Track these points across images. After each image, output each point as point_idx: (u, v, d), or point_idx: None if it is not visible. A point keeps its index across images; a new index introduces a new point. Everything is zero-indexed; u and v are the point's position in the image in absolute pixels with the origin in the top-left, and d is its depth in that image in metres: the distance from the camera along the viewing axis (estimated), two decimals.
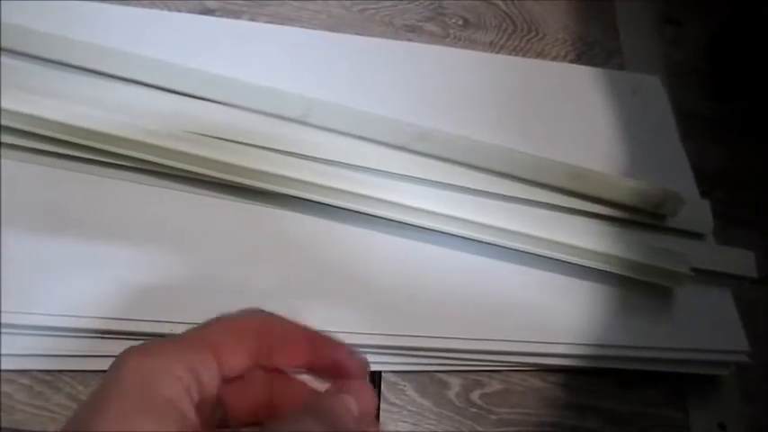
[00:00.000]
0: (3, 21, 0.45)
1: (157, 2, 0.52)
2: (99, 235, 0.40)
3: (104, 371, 0.35)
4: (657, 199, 0.43)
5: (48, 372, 0.36)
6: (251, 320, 0.26)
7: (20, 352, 0.36)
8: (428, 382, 0.40)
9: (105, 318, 0.37)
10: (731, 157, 0.54)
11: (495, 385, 0.41)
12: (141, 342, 0.23)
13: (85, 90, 0.43)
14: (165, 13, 0.51)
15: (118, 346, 0.36)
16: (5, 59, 0.44)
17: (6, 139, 0.41)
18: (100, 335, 0.37)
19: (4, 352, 0.36)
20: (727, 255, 0.45)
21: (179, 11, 0.52)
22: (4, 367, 0.36)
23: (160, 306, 0.38)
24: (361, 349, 0.39)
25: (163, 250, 0.40)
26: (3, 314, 0.36)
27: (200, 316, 0.37)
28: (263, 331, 0.26)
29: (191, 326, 0.37)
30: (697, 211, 0.46)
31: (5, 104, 0.40)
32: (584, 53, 0.57)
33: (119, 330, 0.37)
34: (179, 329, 0.36)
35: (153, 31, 0.49)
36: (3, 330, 0.36)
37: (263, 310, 0.27)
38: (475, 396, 0.40)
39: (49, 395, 0.36)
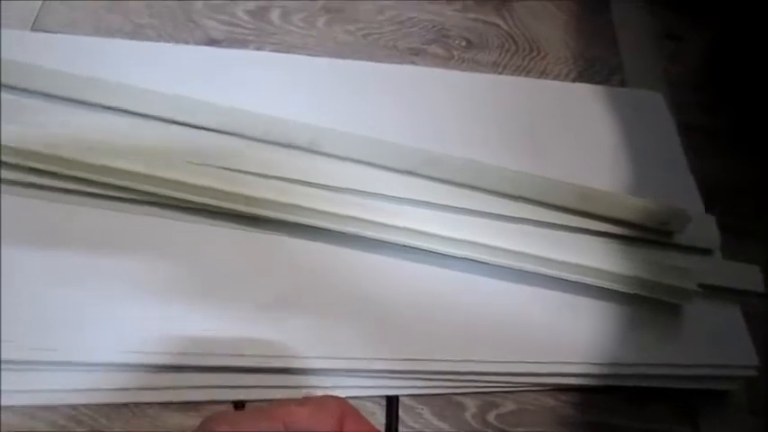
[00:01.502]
0: (3, 57, 0.46)
1: (163, 34, 0.53)
2: (115, 269, 0.41)
3: (124, 404, 0.37)
4: (664, 216, 0.44)
5: (71, 406, 0.37)
6: (334, 404, 0.27)
7: (42, 387, 0.37)
8: (445, 404, 0.41)
9: (125, 351, 0.38)
10: (732, 169, 0.54)
11: (509, 405, 0.41)
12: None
13: (92, 124, 0.44)
14: (172, 45, 0.52)
15: (138, 380, 0.37)
16: (6, 95, 0.45)
17: (8, 175, 0.42)
18: (120, 368, 0.38)
19: (27, 388, 0.37)
20: (733, 270, 0.45)
21: (186, 42, 0.53)
22: (27, 403, 0.37)
23: (178, 338, 0.38)
24: (378, 375, 0.40)
25: (176, 281, 0.41)
26: (28, 351, 0.37)
27: (218, 347, 0.38)
28: (340, 420, 0.27)
29: (208, 356, 0.38)
30: (704, 227, 0.46)
31: (6, 141, 0.41)
32: (586, 70, 0.58)
33: (139, 363, 0.38)
34: (195, 361, 0.38)
35: (161, 64, 0.50)
36: (27, 367, 0.37)
37: (342, 398, 0.27)
38: (491, 417, 0.41)
39: (72, 428, 0.36)
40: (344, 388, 0.40)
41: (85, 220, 0.42)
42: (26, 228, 0.41)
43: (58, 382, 0.37)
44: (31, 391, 0.37)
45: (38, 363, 0.37)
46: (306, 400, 0.27)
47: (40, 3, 0.53)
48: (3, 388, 0.36)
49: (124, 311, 0.39)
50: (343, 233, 0.42)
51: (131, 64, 0.49)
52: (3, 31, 0.49)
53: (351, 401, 0.38)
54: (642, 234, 0.45)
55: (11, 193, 0.42)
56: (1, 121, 0.42)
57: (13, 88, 0.45)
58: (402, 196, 0.44)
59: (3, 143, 0.40)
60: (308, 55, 0.54)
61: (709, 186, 0.51)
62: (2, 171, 0.42)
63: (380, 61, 0.55)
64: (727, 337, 0.43)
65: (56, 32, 0.51)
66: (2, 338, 0.37)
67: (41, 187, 0.42)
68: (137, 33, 0.53)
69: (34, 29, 0.51)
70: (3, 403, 0.36)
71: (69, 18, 0.52)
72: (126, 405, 0.37)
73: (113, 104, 0.45)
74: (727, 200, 0.51)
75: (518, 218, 0.45)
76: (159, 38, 0.53)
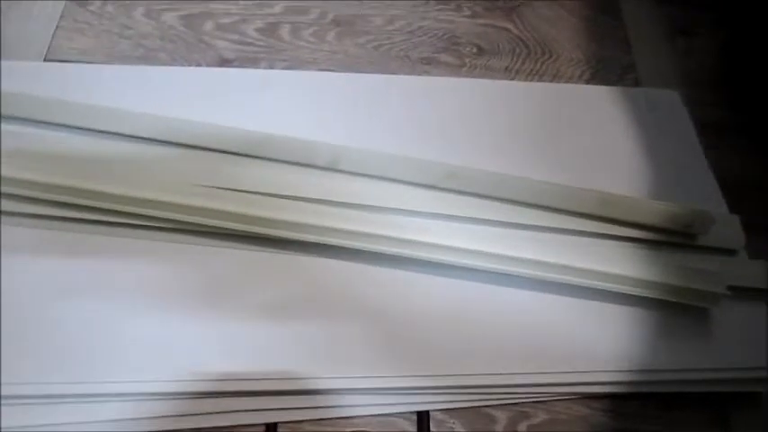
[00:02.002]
0: (14, 90, 0.47)
1: (176, 57, 0.53)
2: (128, 290, 0.41)
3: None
4: (687, 219, 0.44)
5: None
6: None
7: (75, 420, 0.37)
8: (475, 417, 0.41)
9: (151, 381, 0.38)
10: (746, 165, 0.54)
11: (541, 415, 0.41)
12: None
13: (101, 152, 0.45)
14: (184, 68, 0.53)
15: (169, 407, 0.38)
16: (13, 127, 0.46)
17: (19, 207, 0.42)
18: (151, 397, 0.38)
19: (59, 421, 0.37)
20: (759, 269, 0.45)
21: (198, 64, 0.53)
22: None
23: (203, 360, 0.39)
24: (408, 391, 0.40)
25: (199, 307, 0.41)
26: (56, 385, 0.37)
27: (247, 371, 0.38)
28: None
29: (239, 381, 0.38)
30: (727, 227, 0.46)
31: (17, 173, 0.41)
32: (599, 71, 0.58)
33: (166, 392, 0.38)
34: (227, 387, 0.38)
35: (173, 88, 0.50)
36: (57, 400, 0.37)
37: None
38: (522, 428, 0.41)
39: None
40: (376, 405, 0.40)
41: (95, 245, 0.43)
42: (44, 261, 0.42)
43: (86, 415, 0.37)
44: (60, 423, 0.37)
45: (64, 396, 0.37)
46: None
47: (53, 31, 0.53)
48: (31, 423, 0.37)
49: (145, 335, 0.39)
50: (367, 251, 0.42)
51: (144, 89, 0.50)
52: (17, 63, 0.50)
53: (382, 419, 0.39)
54: (666, 238, 0.45)
55: (19, 224, 0.43)
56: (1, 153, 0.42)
57: (22, 120, 0.46)
58: (425, 210, 0.44)
59: (14, 176, 0.41)
60: (319, 70, 0.54)
61: (727, 183, 0.50)
62: (10, 203, 0.42)
63: (393, 72, 0.55)
64: (757, 338, 0.43)
65: (69, 61, 0.51)
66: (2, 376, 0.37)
67: (52, 218, 0.43)
68: (149, 58, 0.53)
69: (47, 59, 0.51)
70: None
71: (82, 46, 0.53)
72: None
73: (129, 132, 0.46)
74: (747, 197, 0.50)
75: (541, 227, 0.45)
76: (172, 61, 0.53)
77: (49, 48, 0.52)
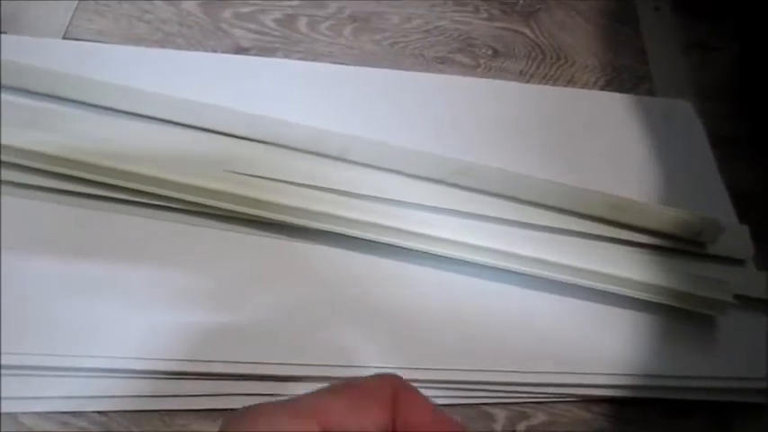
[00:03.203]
0: (35, 64, 0.46)
1: (192, 42, 0.54)
2: (136, 275, 0.41)
3: (155, 411, 0.37)
4: (696, 227, 0.43)
5: (101, 413, 0.37)
6: (380, 387, 0.23)
7: (74, 394, 0.37)
8: (473, 414, 0.40)
9: (153, 359, 0.38)
10: (761, 177, 0.54)
11: (540, 417, 0.41)
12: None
13: (121, 132, 0.45)
14: (200, 53, 0.53)
15: (168, 387, 0.37)
16: (40, 103, 0.46)
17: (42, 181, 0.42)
18: (152, 375, 0.38)
19: (57, 394, 0.37)
20: (766, 280, 0.45)
21: (214, 51, 0.53)
22: (58, 409, 0.37)
23: (206, 345, 0.38)
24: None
25: (203, 289, 0.41)
26: (57, 357, 0.37)
27: (249, 356, 0.38)
28: (393, 402, 0.23)
29: (238, 364, 0.38)
30: (736, 237, 0.46)
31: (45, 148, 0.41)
32: (614, 79, 0.58)
33: (169, 371, 0.38)
34: (225, 369, 0.38)
35: (189, 72, 0.50)
36: (56, 373, 0.37)
37: (396, 376, 0.24)
38: (521, 428, 0.40)
39: None
40: None
41: (105, 227, 0.42)
42: (51, 235, 0.42)
43: (89, 389, 0.37)
44: (61, 397, 0.37)
45: (70, 369, 0.37)
46: (346, 387, 0.23)
47: (72, 12, 0.53)
48: (31, 394, 0.37)
49: (148, 318, 0.39)
50: (373, 242, 0.42)
51: (160, 72, 0.50)
52: (33, 39, 0.50)
53: None
54: (674, 244, 0.44)
55: (41, 198, 0.43)
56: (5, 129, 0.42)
57: (46, 96, 0.46)
58: (432, 205, 0.44)
59: (42, 150, 0.41)
60: (334, 63, 0.54)
61: (738, 195, 0.50)
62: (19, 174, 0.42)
63: (407, 70, 0.55)
64: (761, 349, 0.43)
65: (87, 41, 0.52)
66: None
67: (72, 194, 0.42)
68: (166, 42, 0.53)
69: (66, 37, 0.52)
70: (32, 409, 0.37)
71: (100, 27, 0.53)
72: (157, 412, 0.38)
73: (143, 112, 0.46)
74: (755, 207, 0.50)
75: (549, 227, 0.44)
76: (189, 46, 0.53)
77: (67, 27, 0.52)
